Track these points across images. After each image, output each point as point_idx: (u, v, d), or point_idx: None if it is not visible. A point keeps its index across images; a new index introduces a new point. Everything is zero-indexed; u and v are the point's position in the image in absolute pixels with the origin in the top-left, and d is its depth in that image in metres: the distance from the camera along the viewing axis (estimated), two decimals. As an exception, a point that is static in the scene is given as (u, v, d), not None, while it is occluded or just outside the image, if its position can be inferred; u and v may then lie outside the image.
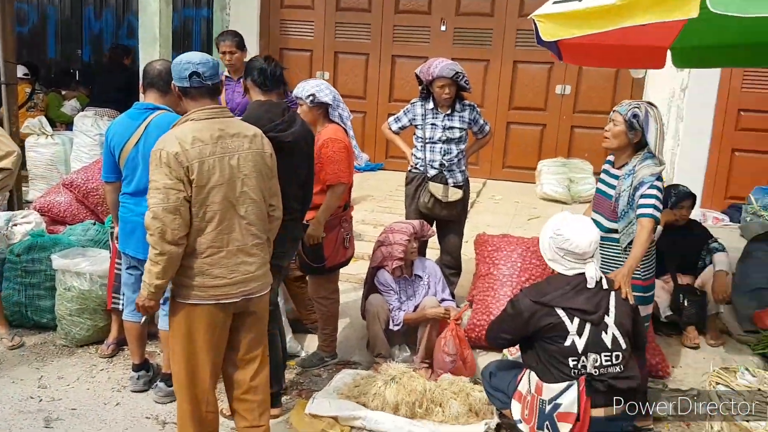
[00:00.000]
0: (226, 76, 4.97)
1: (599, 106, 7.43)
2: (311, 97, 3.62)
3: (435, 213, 4.38)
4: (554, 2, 3.27)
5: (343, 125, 3.72)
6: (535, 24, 3.21)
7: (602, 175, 3.38)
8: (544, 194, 7.07)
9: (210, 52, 7.75)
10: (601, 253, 3.27)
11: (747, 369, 2.85)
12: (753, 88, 6.63)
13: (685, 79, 6.63)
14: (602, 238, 3.27)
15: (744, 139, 6.76)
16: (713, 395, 2.64)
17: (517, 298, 2.96)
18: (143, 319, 3.23)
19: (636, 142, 3.19)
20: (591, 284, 2.84)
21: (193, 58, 2.65)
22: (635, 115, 3.13)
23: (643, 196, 3.10)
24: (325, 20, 8.03)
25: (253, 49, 8.02)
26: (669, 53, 4.39)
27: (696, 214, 6.41)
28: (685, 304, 4.05)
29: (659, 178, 3.14)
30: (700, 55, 4.34)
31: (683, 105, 6.67)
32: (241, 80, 3.48)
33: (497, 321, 3.09)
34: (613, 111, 3.26)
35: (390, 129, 4.51)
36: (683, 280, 4.20)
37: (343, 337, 4.15)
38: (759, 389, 2.73)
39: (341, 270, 4.07)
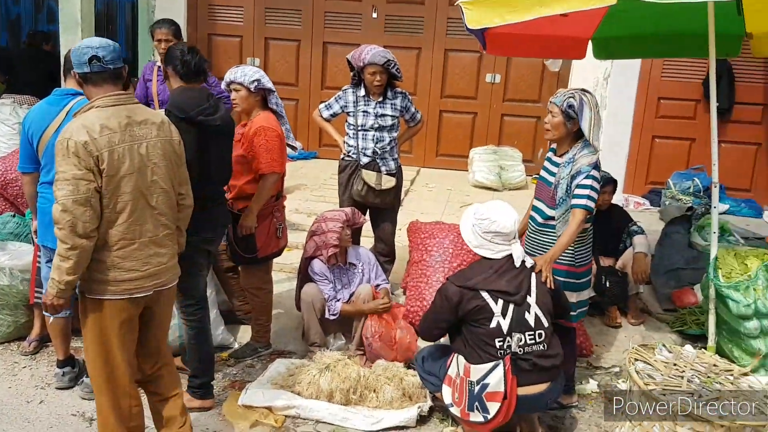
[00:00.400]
0: (159, 66, 4.82)
1: (527, 95, 7.64)
2: (256, 83, 3.55)
3: (368, 201, 4.40)
4: None
5: (280, 112, 3.68)
6: (462, 11, 3.26)
7: (545, 163, 3.45)
8: (476, 182, 7.20)
9: (135, 38, 7.54)
10: (538, 240, 3.37)
11: (664, 345, 3.00)
12: (672, 77, 6.94)
13: (608, 68, 6.86)
14: (541, 225, 3.37)
15: (663, 126, 7.08)
16: (631, 371, 2.76)
17: (444, 287, 3.02)
18: (67, 313, 3.12)
19: (575, 131, 3.25)
20: (518, 263, 2.93)
21: (92, 43, 2.53)
22: (570, 105, 3.19)
23: (578, 186, 3.17)
24: (255, 6, 7.89)
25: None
26: (590, 44, 4.55)
27: (618, 198, 6.68)
28: (608, 285, 4.22)
29: (596, 167, 3.21)
30: (619, 47, 4.52)
31: (606, 93, 6.91)
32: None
33: (429, 313, 3.13)
34: (550, 102, 3.31)
35: (321, 116, 4.49)
36: (605, 262, 4.37)
37: (277, 327, 4.13)
38: (675, 364, 2.88)
39: (275, 260, 4.04)
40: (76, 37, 6.59)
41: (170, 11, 7.75)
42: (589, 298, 3.51)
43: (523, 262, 2.96)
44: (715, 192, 3.54)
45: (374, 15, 7.67)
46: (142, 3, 7.79)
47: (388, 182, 4.40)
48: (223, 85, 3.69)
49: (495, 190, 7.10)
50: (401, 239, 4.81)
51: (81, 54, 2.50)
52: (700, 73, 6.80)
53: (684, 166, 6.99)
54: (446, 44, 7.63)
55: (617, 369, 3.86)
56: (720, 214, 6.51)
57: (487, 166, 7.23)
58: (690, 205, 5.95)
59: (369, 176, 4.34)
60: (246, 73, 3.57)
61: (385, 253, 4.59)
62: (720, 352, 3.50)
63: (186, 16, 7.88)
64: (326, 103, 4.48)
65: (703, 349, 3.25)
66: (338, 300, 3.90)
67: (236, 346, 3.98)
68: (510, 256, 2.94)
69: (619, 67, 6.78)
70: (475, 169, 7.26)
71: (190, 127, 2.98)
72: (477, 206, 3.04)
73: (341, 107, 4.41)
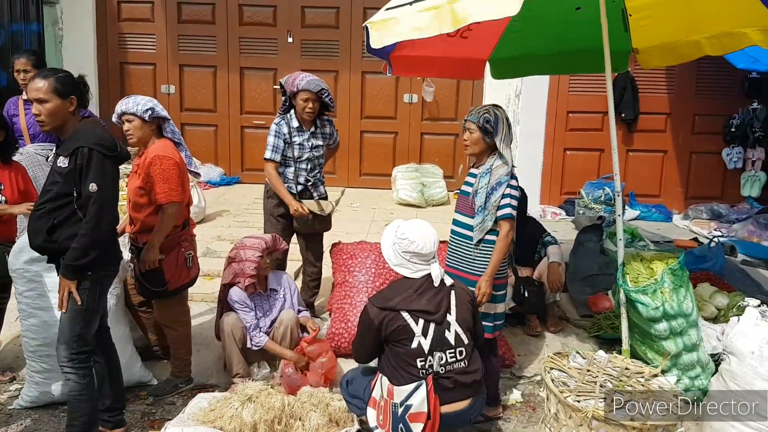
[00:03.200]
0: (25, 100, 4.64)
1: (444, 114, 7.82)
2: (150, 111, 3.45)
3: (314, 228, 4.39)
4: (387, 8, 3.39)
5: (178, 140, 3.59)
6: (367, 32, 3.31)
7: (467, 177, 3.55)
8: (400, 199, 7.28)
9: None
10: (459, 251, 3.45)
11: (578, 352, 3.08)
12: (578, 92, 7.25)
13: (518, 86, 7.11)
14: (461, 236, 3.43)
15: (573, 139, 7.38)
16: (547, 379, 2.83)
17: (365, 309, 3.00)
18: None
19: (493, 145, 3.37)
20: (436, 283, 2.95)
21: None
22: (487, 120, 3.32)
23: (503, 196, 3.29)
24: (167, 33, 7.76)
25: (90, 65, 7.61)
26: (488, 66, 4.74)
27: (536, 210, 6.90)
28: (526, 295, 4.30)
29: (513, 176, 3.35)
30: (514, 67, 4.75)
31: (518, 109, 7.15)
32: None
33: (357, 338, 3.09)
34: (465, 120, 3.42)
35: (274, 161, 4.23)
36: (523, 272, 4.47)
37: (198, 360, 4.01)
38: (588, 370, 2.96)
39: (196, 290, 3.93)
40: (-23, 70, 6.32)
41: (78, 41, 7.57)
42: (506, 311, 3.58)
43: (443, 280, 2.98)
44: (619, 201, 3.69)
45: (290, 39, 7.69)
46: (49, 33, 7.54)
47: (328, 206, 4.39)
48: (114, 118, 3.54)
49: (418, 206, 7.19)
50: (325, 261, 4.79)
51: None
52: (605, 86, 7.11)
53: (595, 176, 7.29)
54: (363, 67, 7.72)
55: (539, 377, 3.93)
56: (631, 219, 6.88)
57: (409, 184, 7.32)
58: (600, 214, 6.19)
59: (311, 205, 4.29)
60: (138, 102, 3.46)
61: (316, 277, 4.56)
62: (635, 354, 3.62)
63: (96, 46, 7.70)
64: (271, 146, 4.24)
65: (615, 353, 3.37)
66: (260, 328, 3.84)
67: (155, 383, 3.84)
68: (429, 275, 2.96)
69: (529, 84, 7.03)
70: (398, 187, 7.34)
71: (114, 164, 2.93)
72: (399, 224, 3.04)
73: (284, 141, 4.26)
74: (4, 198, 3.69)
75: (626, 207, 6.96)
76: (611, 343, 4.19)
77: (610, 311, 4.48)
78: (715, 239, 5.65)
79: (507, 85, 7.07)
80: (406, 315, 2.89)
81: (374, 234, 6.10)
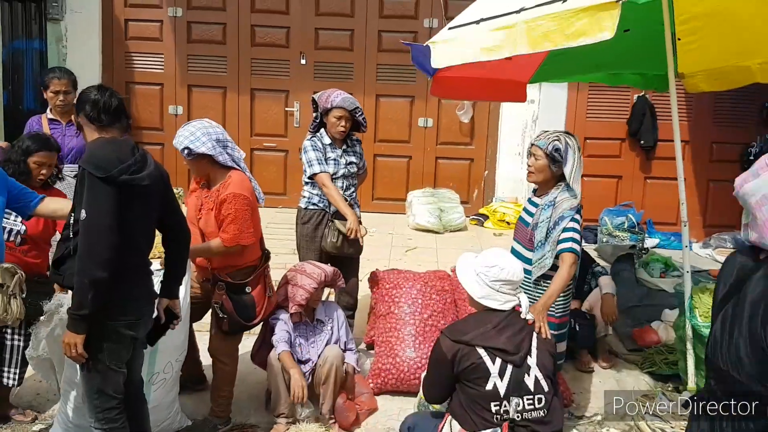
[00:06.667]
0: (50, 119, 4.42)
1: (459, 138, 7.69)
2: (186, 151, 3.22)
3: (343, 251, 4.13)
4: (450, 27, 3.25)
5: (240, 169, 3.38)
6: (430, 50, 3.17)
7: (526, 204, 3.39)
8: (416, 225, 7.09)
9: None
10: None
11: (664, 393, 2.93)
12: (596, 118, 7.20)
13: (535, 111, 7.04)
14: None
15: (591, 165, 7.22)
16: (643, 426, 2.65)
17: (438, 342, 2.79)
18: None
19: (560, 174, 3.20)
20: (524, 314, 2.75)
21: None
22: (556, 149, 3.15)
23: (564, 230, 3.10)
24: (176, 52, 7.55)
25: (94, 83, 7.33)
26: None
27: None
28: (577, 328, 4.14)
29: (578, 211, 3.16)
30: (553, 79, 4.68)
31: (535, 135, 7.06)
32: (71, 123, 3.04)
33: (428, 372, 2.89)
34: (532, 145, 3.26)
35: (327, 172, 4.06)
36: (573, 305, 4.30)
37: (234, 398, 3.75)
38: (679, 413, 2.80)
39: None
40: (-22, 88, 6.06)
41: (82, 58, 7.30)
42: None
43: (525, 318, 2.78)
44: (685, 231, 3.58)
45: (303, 61, 7.52)
46: (52, 51, 7.28)
47: (362, 229, 4.15)
48: None
49: (436, 232, 7.01)
50: (361, 289, 4.56)
51: None
52: (624, 112, 7.10)
53: (613, 203, 7.20)
54: (377, 90, 7.56)
55: (599, 417, 3.74)
56: (651, 248, 6.78)
57: (427, 209, 7.15)
58: (632, 243, 6.08)
59: (344, 227, 4.06)
60: (179, 140, 3.24)
61: (350, 306, 4.33)
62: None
63: (101, 64, 7.45)
64: (315, 159, 4.07)
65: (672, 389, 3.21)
66: (293, 347, 3.63)
67: (188, 423, 3.54)
68: (511, 310, 2.75)
69: (546, 110, 6.96)
70: (415, 212, 7.16)
71: (111, 188, 2.47)
72: (474, 255, 2.85)
73: (324, 153, 4.12)
74: (24, 227, 3.43)
75: (646, 235, 6.86)
76: (665, 379, 4.02)
77: (660, 346, 4.32)
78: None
79: (524, 110, 7.00)
80: (482, 351, 2.66)
81: (396, 260, 5.92)
